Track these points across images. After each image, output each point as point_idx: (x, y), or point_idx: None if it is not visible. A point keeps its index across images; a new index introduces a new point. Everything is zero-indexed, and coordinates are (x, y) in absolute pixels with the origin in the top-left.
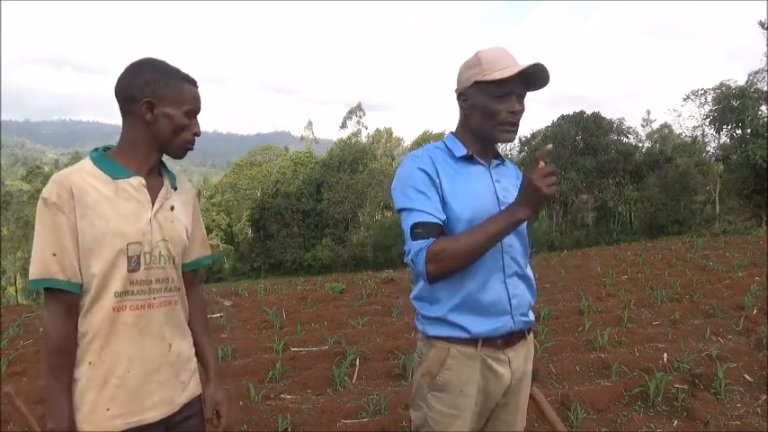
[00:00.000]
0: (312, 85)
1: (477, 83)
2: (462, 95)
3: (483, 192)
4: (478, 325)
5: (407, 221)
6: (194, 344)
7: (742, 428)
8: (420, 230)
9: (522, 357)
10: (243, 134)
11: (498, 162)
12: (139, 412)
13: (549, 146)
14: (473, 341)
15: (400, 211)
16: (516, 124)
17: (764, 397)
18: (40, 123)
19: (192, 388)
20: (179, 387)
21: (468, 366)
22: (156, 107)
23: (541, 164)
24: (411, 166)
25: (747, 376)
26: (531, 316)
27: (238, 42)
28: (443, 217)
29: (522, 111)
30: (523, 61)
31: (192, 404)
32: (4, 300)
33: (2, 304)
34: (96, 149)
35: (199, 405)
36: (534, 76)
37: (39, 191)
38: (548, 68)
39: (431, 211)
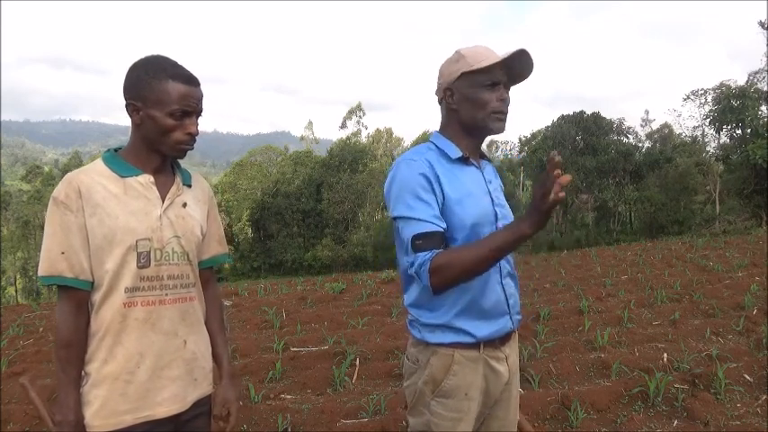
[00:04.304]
0: (312, 86)
1: (464, 75)
2: (448, 90)
3: (479, 194)
4: (482, 328)
5: (407, 231)
6: (210, 342)
7: (742, 428)
8: (420, 242)
9: (515, 352)
10: (243, 134)
11: (486, 162)
12: (149, 408)
13: (559, 158)
14: (476, 345)
15: (397, 218)
16: (506, 114)
17: (764, 397)
18: (40, 123)
19: (205, 387)
20: (191, 384)
21: (473, 370)
22: (142, 109)
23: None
24: (409, 171)
25: (747, 376)
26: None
27: (238, 42)
28: (444, 225)
29: (509, 101)
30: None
31: (202, 403)
32: (4, 300)
33: (2, 304)
34: (109, 150)
35: (208, 404)
36: (518, 66)
37: (38, 191)
38: (531, 55)
39: (431, 220)
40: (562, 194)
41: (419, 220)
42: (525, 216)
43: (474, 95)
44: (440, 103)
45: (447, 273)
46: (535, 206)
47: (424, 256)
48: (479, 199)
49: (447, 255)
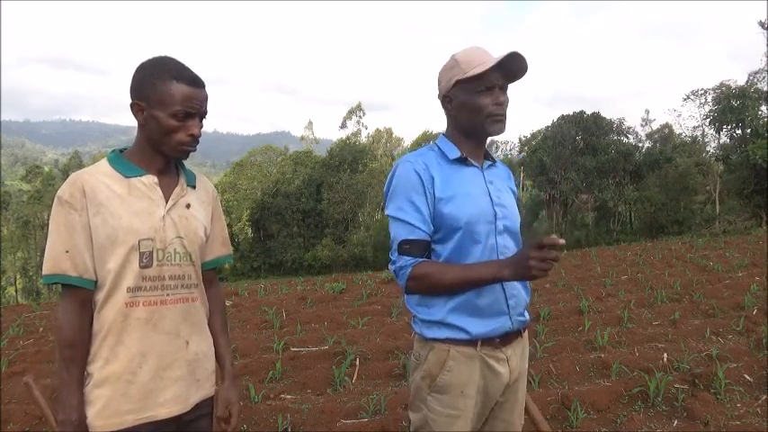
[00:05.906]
0: (312, 86)
1: (458, 82)
2: (447, 98)
3: (478, 194)
4: (477, 326)
5: (396, 233)
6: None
7: (742, 428)
8: (407, 246)
9: (518, 355)
10: (243, 134)
11: (490, 163)
12: (151, 408)
13: (562, 241)
14: (472, 342)
15: (390, 216)
16: (504, 115)
17: (764, 397)
18: (40, 123)
19: (207, 388)
20: (193, 385)
21: (469, 367)
22: (146, 110)
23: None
24: (405, 171)
25: (747, 376)
26: (527, 315)
27: (238, 42)
28: (431, 230)
29: (507, 101)
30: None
31: (205, 404)
32: (4, 300)
33: (2, 304)
34: (114, 150)
35: (211, 405)
36: (512, 66)
37: (38, 191)
38: (524, 56)
39: (419, 225)
40: (542, 274)
41: (409, 224)
42: (511, 263)
43: (470, 102)
44: (442, 105)
45: (423, 283)
46: (522, 262)
47: (407, 260)
48: (477, 198)
49: (428, 267)
